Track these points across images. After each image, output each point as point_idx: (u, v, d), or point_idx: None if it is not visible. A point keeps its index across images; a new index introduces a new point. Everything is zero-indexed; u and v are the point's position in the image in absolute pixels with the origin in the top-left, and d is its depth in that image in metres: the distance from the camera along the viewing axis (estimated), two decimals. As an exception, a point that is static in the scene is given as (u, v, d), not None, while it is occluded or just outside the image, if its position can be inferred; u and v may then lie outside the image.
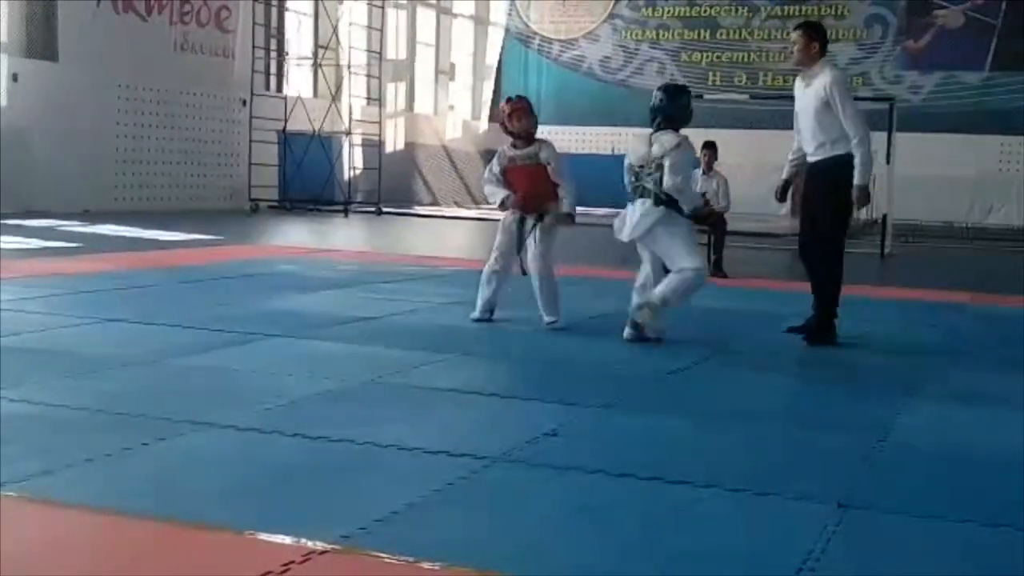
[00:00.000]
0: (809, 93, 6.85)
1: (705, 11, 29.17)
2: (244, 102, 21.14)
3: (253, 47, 21.29)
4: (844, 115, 6.68)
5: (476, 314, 7.33)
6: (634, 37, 29.99)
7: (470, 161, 29.81)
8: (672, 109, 6.70)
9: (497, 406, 4.93)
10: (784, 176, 7.34)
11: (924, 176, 22.62)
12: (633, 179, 6.75)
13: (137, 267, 10.03)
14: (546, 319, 7.16)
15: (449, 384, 5.29)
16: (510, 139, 7.32)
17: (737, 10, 28.87)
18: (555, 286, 7.23)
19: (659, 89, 6.87)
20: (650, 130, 6.74)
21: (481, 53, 31.03)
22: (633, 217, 6.71)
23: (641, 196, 6.67)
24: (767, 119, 25.36)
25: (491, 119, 30.89)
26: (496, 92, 31.17)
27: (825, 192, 6.82)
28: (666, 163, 6.52)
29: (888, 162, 15.48)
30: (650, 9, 29.72)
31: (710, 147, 11.80)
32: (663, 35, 29.71)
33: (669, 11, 29.54)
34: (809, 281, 7.04)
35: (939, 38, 26.14)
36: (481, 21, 30.96)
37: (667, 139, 6.59)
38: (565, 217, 7.16)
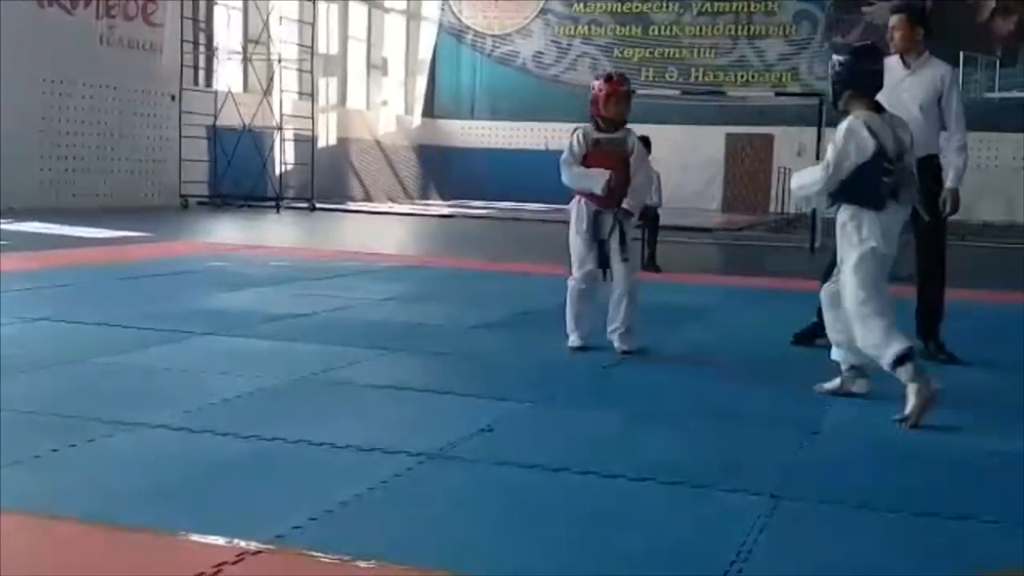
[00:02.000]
0: (915, 83, 6.30)
1: (637, 7, 29.33)
2: (173, 97, 20.86)
3: (182, 41, 21.02)
4: (954, 113, 6.30)
5: (577, 342, 6.21)
6: (566, 33, 30.08)
7: (403, 156, 29.72)
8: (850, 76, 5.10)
9: (432, 402, 4.91)
10: None
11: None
12: (891, 178, 4.82)
13: (64, 265, 9.86)
14: (619, 346, 6.12)
15: (383, 381, 5.26)
16: (595, 122, 6.28)
17: (668, 6, 29.07)
18: (638, 306, 6.20)
19: (845, 51, 5.31)
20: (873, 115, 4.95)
21: (414, 48, 30.93)
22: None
23: (893, 197, 4.83)
24: (699, 114, 25.58)
25: (424, 114, 30.83)
26: (430, 87, 31.11)
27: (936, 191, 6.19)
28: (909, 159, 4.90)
29: (818, 157, 15.67)
30: (581, 5, 29.83)
31: (643, 142, 11.88)
32: (595, 31, 29.84)
33: (601, 7, 29.66)
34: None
35: (867, 34, 26.45)
36: (413, 16, 30.85)
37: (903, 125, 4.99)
38: (626, 213, 6.19)
